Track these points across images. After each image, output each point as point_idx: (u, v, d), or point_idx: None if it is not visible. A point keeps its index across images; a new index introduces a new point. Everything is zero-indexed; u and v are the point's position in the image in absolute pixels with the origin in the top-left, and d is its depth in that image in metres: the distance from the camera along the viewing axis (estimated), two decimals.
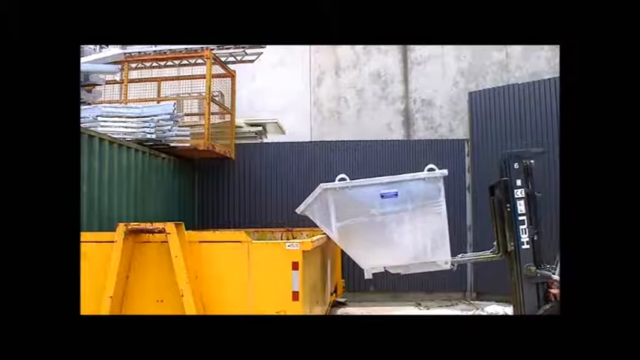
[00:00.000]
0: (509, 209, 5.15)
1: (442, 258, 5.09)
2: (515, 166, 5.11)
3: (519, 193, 5.09)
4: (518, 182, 5.09)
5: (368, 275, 5.15)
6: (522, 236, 5.08)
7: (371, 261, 5.15)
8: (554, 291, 5.08)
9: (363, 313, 7.70)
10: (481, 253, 5.34)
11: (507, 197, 5.16)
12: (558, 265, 5.20)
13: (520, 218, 5.07)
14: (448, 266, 5.13)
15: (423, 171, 5.11)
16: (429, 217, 5.03)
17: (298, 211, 5.24)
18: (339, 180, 5.14)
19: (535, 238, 5.14)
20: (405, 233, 5.06)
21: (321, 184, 5.14)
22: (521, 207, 5.08)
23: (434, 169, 5.08)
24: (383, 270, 5.18)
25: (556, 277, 5.11)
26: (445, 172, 5.08)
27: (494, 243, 5.41)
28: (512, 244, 5.17)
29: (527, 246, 5.09)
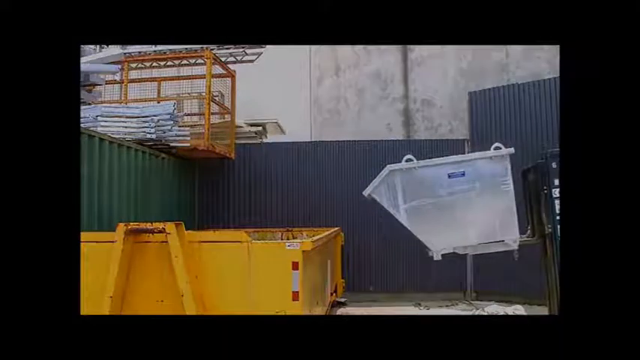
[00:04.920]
0: (545, 192, 5.15)
1: (511, 237, 5.05)
2: (554, 165, 5.10)
3: (557, 192, 5.06)
4: (556, 182, 5.06)
5: (437, 257, 5.06)
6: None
7: (440, 242, 5.07)
8: None
9: (363, 313, 7.69)
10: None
11: (544, 180, 5.17)
12: None
13: (558, 218, 5.06)
14: (516, 245, 5.07)
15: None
16: (497, 195, 4.99)
17: (365, 193, 5.13)
18: (406, 161, 5.07)
19: None
20: (473, 213, 5.01)
21: (387, 166, 5.06)
22: (559, 205, 5.05)
23: (500, 148, 5.04)
24: (452, 251, 5.12)
25: None
26: (512, 150, 5.05)
27: (528, 228, 5.45)
28: (549, 226, 5.17)
29: None
